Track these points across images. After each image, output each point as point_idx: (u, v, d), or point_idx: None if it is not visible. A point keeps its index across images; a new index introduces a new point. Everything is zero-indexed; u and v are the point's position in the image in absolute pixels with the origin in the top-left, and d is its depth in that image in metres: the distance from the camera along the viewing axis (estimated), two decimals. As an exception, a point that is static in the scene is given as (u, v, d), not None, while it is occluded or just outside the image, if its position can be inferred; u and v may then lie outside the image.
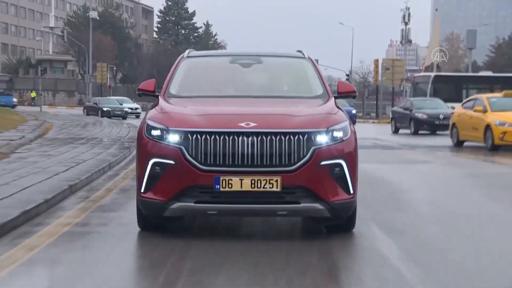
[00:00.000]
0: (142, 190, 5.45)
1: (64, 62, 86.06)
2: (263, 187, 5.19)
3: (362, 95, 59.45)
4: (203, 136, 5.25)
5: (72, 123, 27.94)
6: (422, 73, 42.81)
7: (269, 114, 5.65)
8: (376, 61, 51.66)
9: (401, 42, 61.98)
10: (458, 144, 18.75)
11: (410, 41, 59.68)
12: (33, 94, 66.18)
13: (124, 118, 40.77)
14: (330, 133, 5.42)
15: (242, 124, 5.28)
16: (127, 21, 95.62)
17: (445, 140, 20.83)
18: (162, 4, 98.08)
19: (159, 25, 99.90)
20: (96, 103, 44.52)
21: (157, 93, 6.41)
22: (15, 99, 59.78)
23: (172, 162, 5.28)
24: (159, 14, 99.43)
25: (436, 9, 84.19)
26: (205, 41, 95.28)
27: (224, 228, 6.27)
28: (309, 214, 5.49)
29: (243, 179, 5.18)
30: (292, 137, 5.27)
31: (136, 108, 45.71)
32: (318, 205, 5.29)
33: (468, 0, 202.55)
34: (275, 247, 5.33)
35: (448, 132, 23.59)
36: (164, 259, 4.90)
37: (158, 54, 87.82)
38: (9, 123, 23.29)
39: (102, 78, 68.10)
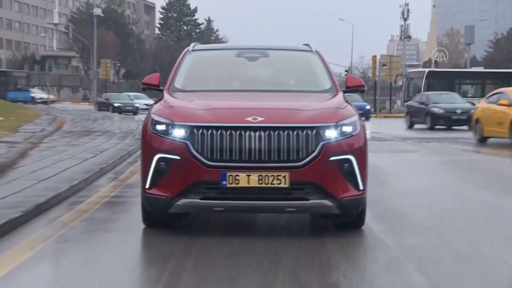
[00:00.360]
0: (147, 186, 5.36)
1: (68, 58, 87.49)
2: (271, 183, 5.11)
3: (374, 90, 56.09)
4: (209, 131, 5.17)
5: (82, 117, 29.35)
6: (416, 69, 44.26)
7: (277, 109, 5.58)
8: (374, 57, 53.11)
9: (400, 38, 63.28)
10: (482, 140, 17.91)
11: (409, 37, 60.88)
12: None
13: (135, 113, 41.65)
14: (339, 128, 5.34)
15: (249, 119, 5.20)
16: (129, 17, 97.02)
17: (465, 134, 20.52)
18: (165, 1, 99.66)
19: (161, 22, 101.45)
20: (107, 99, 45.88)
21: (161, 87, 6.32)
22: (37, 95, 61.24)
23: (177, 157, 5.19)
24: (161, 10, 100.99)
25: (434, 6, 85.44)
26: (207, 37, 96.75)
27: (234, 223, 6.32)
28: (317, 210, 5.41)
29: (250, 175, 5.10)
30: (300, 132, 5.20)
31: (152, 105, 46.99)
32: (327, 202, 5.22)
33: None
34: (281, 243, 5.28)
35: (465, 127, 23.65)
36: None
37: (161, 50, 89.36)
38: (26, 117, 24.67)
39: (106, 74, 69.62)
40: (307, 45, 7.06)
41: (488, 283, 4.35)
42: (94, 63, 69.06)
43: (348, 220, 5.70)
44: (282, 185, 5.13)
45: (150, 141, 5.41)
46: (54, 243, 5.32)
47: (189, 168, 5.15)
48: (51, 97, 60.78)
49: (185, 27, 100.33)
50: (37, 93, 60.58)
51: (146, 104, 44.65)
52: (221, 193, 5.16)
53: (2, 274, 4.35)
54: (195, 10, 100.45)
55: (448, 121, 25.55)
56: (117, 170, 10.25)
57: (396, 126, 28.41)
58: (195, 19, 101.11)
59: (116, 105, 43.62)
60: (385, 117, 44.28)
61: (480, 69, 41.70)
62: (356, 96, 33.29)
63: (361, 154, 5.42)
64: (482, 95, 29.13)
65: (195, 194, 5.17)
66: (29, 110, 33.79)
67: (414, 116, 27.26)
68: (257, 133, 5.15)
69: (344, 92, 6.29)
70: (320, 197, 5.21)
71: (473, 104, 24.76)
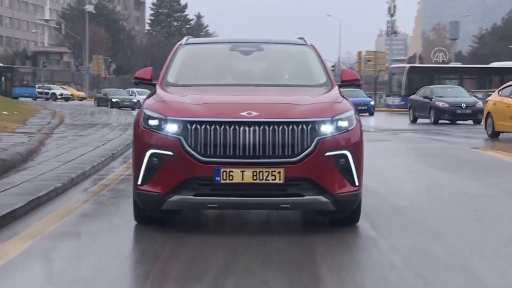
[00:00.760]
0: (139, 183, 5.27)
1: (59, 54, 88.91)
2: (266, 179, 5.03)
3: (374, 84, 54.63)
4: (203, 126, 5.08)
5: (79, 112, 30.92)
6: (398, 64, 46.08)
7: (272, 103, 5.49)
8: (359, 53, 54.90)
9: (386, 33, 64.99)
10: (494, 135, 17.10)
11: (395, 33, 62.58)
12: None
13: (133, 109, 42.82)
14: (335, 123, 5.26)
15: (244, 114, 5.12)
16: (120, 13, 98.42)
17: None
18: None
19: (152, 17, 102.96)
20: (106, 94, 47.29)
21: (154, 82, 6.20)
22: (57, 91, 62.77)
23: (170, 153, 5.11)
24: (152, 6, 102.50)
25: (419, 2, 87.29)
26: (197, 32, 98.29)
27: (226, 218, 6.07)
28: (313, 207, 5.33)
29: (244, 171, 5.02)
30: (295, 127, 5.11)
31: None
32: (322, 198, 5.15)
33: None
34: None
35: (469, 121, 24.14)
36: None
37: (151, 46, 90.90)
38: (27, 112, 26.16)
39: (98, 69, 71.07)
40: (302, 38, 6.98)
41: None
42: (86, 59, 70.44)
43: (343, 216, 5.63)
44: (276, 181, 5.05)
45: (142, 136, 5.32)
46: (92, 203, 6.97)
47: (182, 164, 5.07)
48: (81, 94, 62.16)
49: (175, 23, 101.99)
50: (57, 90, 62.04)
51: None
52: (215, 190, 5.09)
53: (61, 221, 5.99)
54: (185, 6, 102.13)
55: (452, 115, 25.16)
56: (125, 155, 11.84)
57: (385, 120, 28.94)
58: (185, 15, 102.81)
59: (114, 100, 44.92)
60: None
61: (458, 64, 43.62)
62: (360, 91, 33.84)
63: (357, 149, 5.38)
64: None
65: (188, 190, 5.10)
66: (27, 105, 35.28)
67: (418, 110, 26.83)
68: (252, 128, 5.07)
69: (339, 86, 6.24)
70: (315, 193, 5.15)
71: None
